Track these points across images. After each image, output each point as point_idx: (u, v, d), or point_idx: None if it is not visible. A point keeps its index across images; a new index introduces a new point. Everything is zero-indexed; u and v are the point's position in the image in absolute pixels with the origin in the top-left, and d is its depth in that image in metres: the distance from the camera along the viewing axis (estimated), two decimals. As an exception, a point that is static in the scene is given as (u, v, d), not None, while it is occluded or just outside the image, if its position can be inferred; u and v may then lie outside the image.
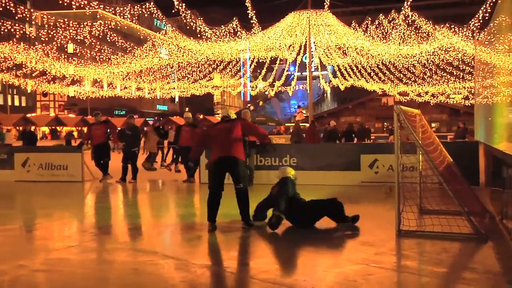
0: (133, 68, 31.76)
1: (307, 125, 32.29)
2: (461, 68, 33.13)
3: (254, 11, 25.97)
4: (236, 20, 27.04)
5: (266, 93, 51.17)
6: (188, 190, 12.39)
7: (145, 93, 40.51)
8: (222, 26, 27.31)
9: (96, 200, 11.48)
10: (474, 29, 23.16)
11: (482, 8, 21.72)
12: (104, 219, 8.51)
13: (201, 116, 70.91)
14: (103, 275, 5.11)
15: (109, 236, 7.08)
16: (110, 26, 23.39)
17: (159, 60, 31.96)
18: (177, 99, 55.69)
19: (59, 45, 24.64)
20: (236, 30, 27.41)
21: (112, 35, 24.98)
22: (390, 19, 27.59)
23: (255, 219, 7.49)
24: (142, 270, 5.10)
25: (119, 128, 16.75)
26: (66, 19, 23.38)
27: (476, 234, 6.03)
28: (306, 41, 30.23)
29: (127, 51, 28.69)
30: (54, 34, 23.52)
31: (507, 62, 8.79)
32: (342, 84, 38.73)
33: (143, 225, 8.04)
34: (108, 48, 28.09)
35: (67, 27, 23.34)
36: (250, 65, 35.12)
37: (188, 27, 25.96)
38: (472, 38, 23.09)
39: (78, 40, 25.40)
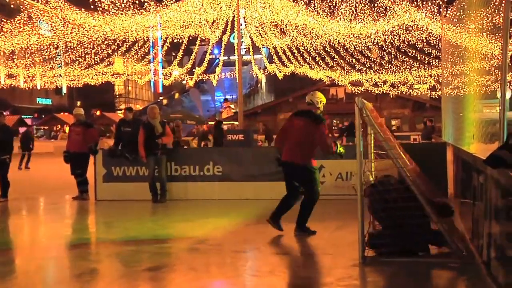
0: (1, 48, 30.61)
1: (236, 123, 32.50)
2: (426, 52, 34.50)
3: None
4: (143, -12, 26.79)
5: (184, 82, 51.00)
6: (80, 210, 12.13)
7: (20, 82, 39.11)
8: (123, -6, 26.93)
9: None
10: (441, 3, 24.22)
11: (450, -22, 22.79)
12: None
13: (98, 113, 69.51)
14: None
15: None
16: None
17: (39, 38, 31.01)
18: (64, 90, 54.17)
19: None
20: (142, 0, 27.15)
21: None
22: (339, -10, 28.30)
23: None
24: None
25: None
26: None
27: (460, 258, 6.28)
28: (233, 16, 30.39)
29: (-7, 25, 27.61)
30: None
31: (480, 44, 9.26)
32: (280, 72, 39.26)
33: (16, 258, 7.80)
34: (-36, 20, 26.92)
35: None
36: (162, 47, 34.88)
37: (78, -5, 25.40)
38: (438, 15, 24.14)
39: None
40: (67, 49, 34.39)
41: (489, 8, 8.08)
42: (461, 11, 11.60)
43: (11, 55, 33.99)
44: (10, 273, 6.91)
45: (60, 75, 39.39)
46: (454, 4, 13.87)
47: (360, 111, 6.55)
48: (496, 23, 7.89)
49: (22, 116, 59.04)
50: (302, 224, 8.23)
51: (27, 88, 42.20)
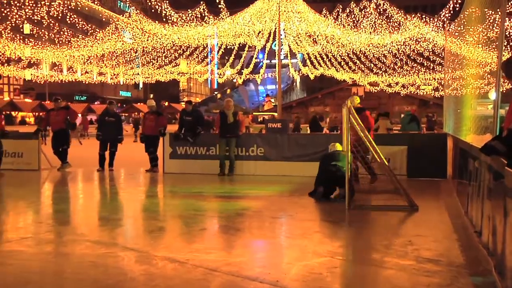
0: (94, 52, 31.07)
1: (275, 114, 32.39)
2: (431, 59, 33.74)
3: (222, -4, 25.80)
4: (204, 5, 26.80)
5: (234, 80, 51.02)
6: (152, 180, 12.28)
7: (108, 79, 39.77)
8: (188, 10, 27.00)
9: (53, 189, 11.25)
10: (445, 19, 23.61)
11: (453, -1, 22.18)
12: (62, 210, 8.34)
13: (166, 104, 70.25)
14: (58, 268, 5.02)
15: (66, 228, 6.95)
16: (69, 7, 22.79)
17: (123, 44, 31.37)
18: (141, 85, 54.88)
19: (13, 25, 23.85)
20: (203, 15, 27.15)
21: (72, 16, 24.38)
22: (361, 8, 27.85)
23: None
24: (100, 263, 5.03)
25: (90, 117, 16.38)
26: (21, -3, 22.64)
27: (410, 205, 7.60)
28: (275, 28, 30.19)
29: (88, 34, 28.03)
30: (8, 13, 22.76)
31: (476, 54, 9.00)
32: (311, 73, 38.92)
33: (103, 216, 7.92)
34: (68, 30, 27.37)
35: (22, 6, 22.60)
36: (218, 52, 34.88)
37: (153, 10, 25.58)
38: (442, 29, 23.54)
39: (35, 21, 24.63)
40: (143, 53, 34.73)
41: (485, 24, 7.84)
42: (462, 26, 11.27)
43: (101, 57, 34.53)
44: (98, 226, 7.07)
45: (138, 73, 39.87)
46: (456, 20, 13.49)
47: (349, 109, 7.86)
48: (490, 36, 7.64)
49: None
50: None
51: (112, 83, 42.94)
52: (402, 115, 20.19)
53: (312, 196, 8.79)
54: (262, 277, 4.54)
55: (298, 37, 33.45)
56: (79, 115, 36.76)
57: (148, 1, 23.61)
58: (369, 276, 4.74)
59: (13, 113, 58.82)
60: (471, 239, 5.80)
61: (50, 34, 27.19)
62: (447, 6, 23.26)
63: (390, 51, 33.36)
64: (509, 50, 20.64)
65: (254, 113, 49.70)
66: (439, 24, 24.74)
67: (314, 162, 12.03)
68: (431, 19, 25.46)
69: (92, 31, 27.42)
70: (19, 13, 22.77)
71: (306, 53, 36.30)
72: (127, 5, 26.67)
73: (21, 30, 25.80)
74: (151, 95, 65.92)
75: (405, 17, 26.69)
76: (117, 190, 11.08)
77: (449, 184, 10.69)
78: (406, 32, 27.94)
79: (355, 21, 28.66)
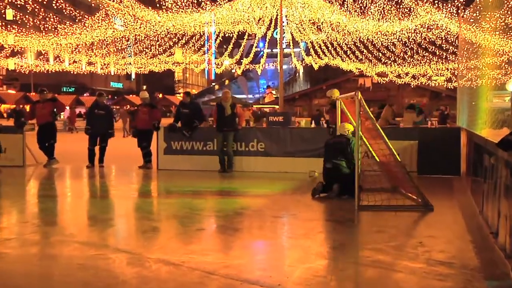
0: (83, 40, 31.07)
1: (277, 107, 32.39)
2: (444, 48, 33.72)
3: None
4: (200, -11, 26.79)
5: (233, 71, 51.02)
6: (145, 177, 12.28)
7: (97, 69, 39.75)
8: (184, -5, 26.98)
9: (39, 187, 11.24)
10: (459, 5, 23.55)
11: (468, -17, 22.12)
12: (48, 209, 8.33)
13: (160, 95, 70.25)
14: (45, 271, 5.02)
15: (53, 228, 6.95)
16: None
17: (113, 31, 31.36)
18: (133, 76, 54.90)
19: (-5, 10, 23.85)
20: (200, 0, 27.14)
21: (59, 1, 24.35)
22: (369, -8, 27.82)
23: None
24: (90, 265, 5.03)
25: (78, 110, 16.38)
26: (3, -20, 22.66)
27: (424, 205, 7.55)
28: (277, 15, 30.16)
29: (76, 21, 28.01)
30: (-11, -3, 22.76)
31: (493, 42, 8.98)
32: (316, 63, 38.93)
33: (93, 216, 7.91)
34: (54, 16, 27.32)
35: (4, -11, 22.60)
36: (215, 40, 34.87)
37: (146, -5, 25.59)
38: (456, 15, 23.50)
39: (19, 6, 24.61)
40: (136, 41, 34.77)
41: (502, 10, 7.80)
42: (477, 12, 11.24)
43: (91, 46, 34.52)
44: (87, 227, 7.07)
45: (130, 63, 39.91)
46: (471, 6, 13.45)
47: (359, 101, 7.61)
48: (508, 23, 7.61)
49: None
50: None
51: (103, 74, 42.99)
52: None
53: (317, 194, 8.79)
54: (263, 281, 4.54)
55: (301, 25, 33.45)
56: (67, 107, 36.83)
57: (140, -14, 23.61)
58: (376, 279, 4.74)
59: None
60: (487, 240, 5.81)
61: (35, 21, 27.14)
62: (462, -9, 23.21)
63: (399, 39, 33.34)
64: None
65: (254, 106, 49.63)
66: (453, 10, 24.69)
67: (319, 158, 12.08)
68: (444, 4, 25.42)
69: (80, 17, 27.39)
70: (1, -3, 22.75)
71: (310, 42, 36.32)
72: (118, -11, 26.62)
73: (3, 15, 25.77)
74: (144, 87, 65.91)
75: (416, 2, 26.64)
76: (108, 188, 11.08)
77: (463, 181, 10.70)
78: (417, 19, 27.91)
79: (363, 7, 28.62)
